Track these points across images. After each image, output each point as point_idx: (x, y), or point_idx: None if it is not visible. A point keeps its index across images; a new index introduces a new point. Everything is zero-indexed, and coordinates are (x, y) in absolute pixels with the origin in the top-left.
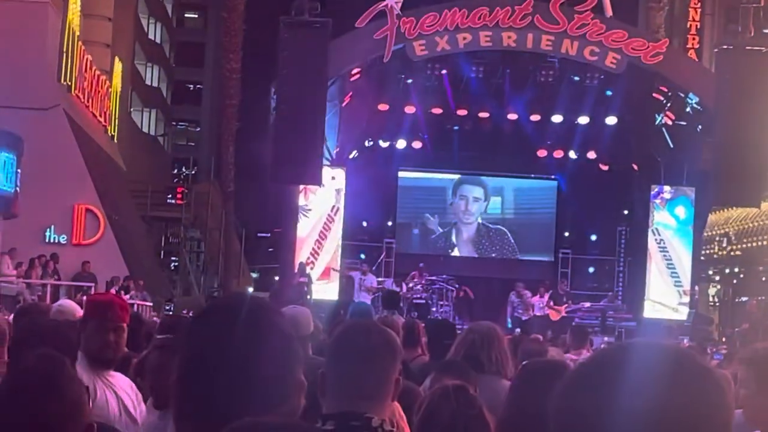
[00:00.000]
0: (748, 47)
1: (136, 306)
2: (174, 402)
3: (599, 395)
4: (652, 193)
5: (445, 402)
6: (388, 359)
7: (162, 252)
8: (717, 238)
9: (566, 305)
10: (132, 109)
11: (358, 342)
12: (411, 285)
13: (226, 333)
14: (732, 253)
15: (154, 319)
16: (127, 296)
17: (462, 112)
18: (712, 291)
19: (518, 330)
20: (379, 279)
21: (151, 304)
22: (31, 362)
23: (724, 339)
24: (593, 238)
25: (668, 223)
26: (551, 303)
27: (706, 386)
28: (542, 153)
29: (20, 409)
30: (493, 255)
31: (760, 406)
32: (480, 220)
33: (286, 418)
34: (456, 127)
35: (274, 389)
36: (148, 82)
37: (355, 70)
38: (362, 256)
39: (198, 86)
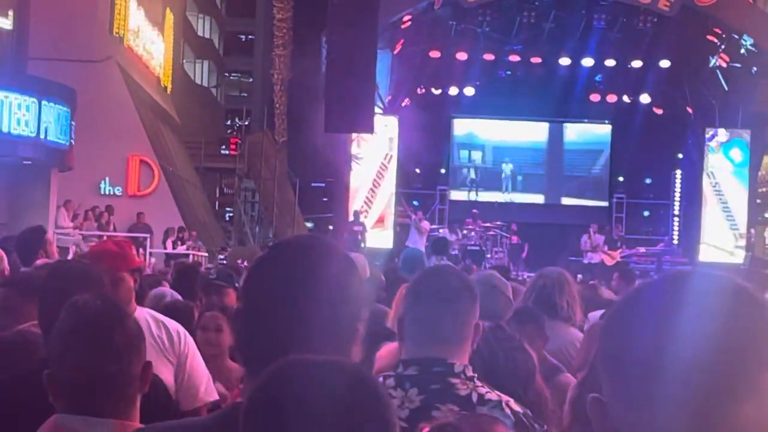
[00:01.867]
0: None
1: (191, 256)
2: (237, 343)
3: (646, 325)
4: (707, 136)
5: (482, 342)
6: (467, 303)
7: (217, 203)
8: None
9: (621, 250)
10: (184, 61)
11: (437, 286)
12: (465, 232)
13: (291, 269)
14: None
15: (208, 267)
16: (184, 246)
17: (514, 58)
18: None
19: (579, 276)
20: (434, 226)
21: (206, 254)
22: (88, 300)
23: None
24: (648, 182)
25: (724, 166)
26: (606, 248)
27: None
28: (595, 97)
29: (90, 339)
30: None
31: None
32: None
33: (341, 358)
34: (508, 73)
35: (340, 327)
36: (200, 33)
37: (406, 17)
38: (415, 203)
39: (250, 37)
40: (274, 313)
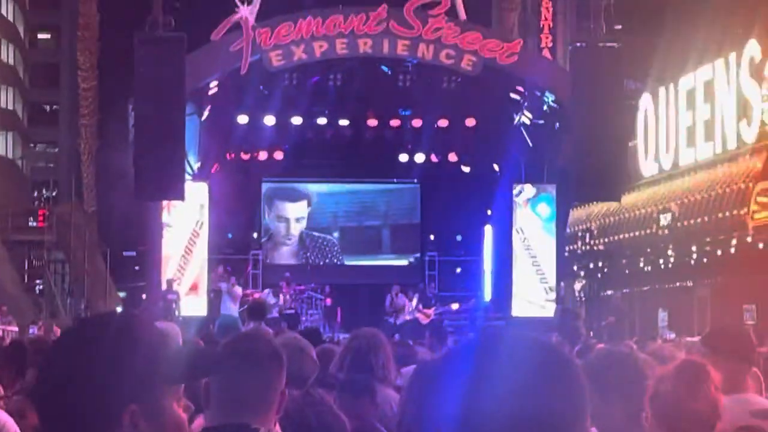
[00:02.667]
0: (600, 44)
1: (1, 332)
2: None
3: (445, 392)
4: (514, 192)
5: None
6: (275, 369)
7: (26, 275)
8: (580, 234)
9: (434, 307)
10: None
11: (244, 352)
12: (286, 296)
13: (93, 346)
14: (595, 248)
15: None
16: None
17: (322, 121)
18: (577, 286)
19: (397, 336)
20: (248, 291)
21: (16, 328)
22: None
23: (591, 333)
24: (459, 239)
25: (532, 221)
26: (420, 306)
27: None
28: (404, 157)
29: None
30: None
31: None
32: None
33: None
34: (317, 136)
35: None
36: (2, 105)
37: (213, 84)
38: (228, 269)
39: (54, 107)
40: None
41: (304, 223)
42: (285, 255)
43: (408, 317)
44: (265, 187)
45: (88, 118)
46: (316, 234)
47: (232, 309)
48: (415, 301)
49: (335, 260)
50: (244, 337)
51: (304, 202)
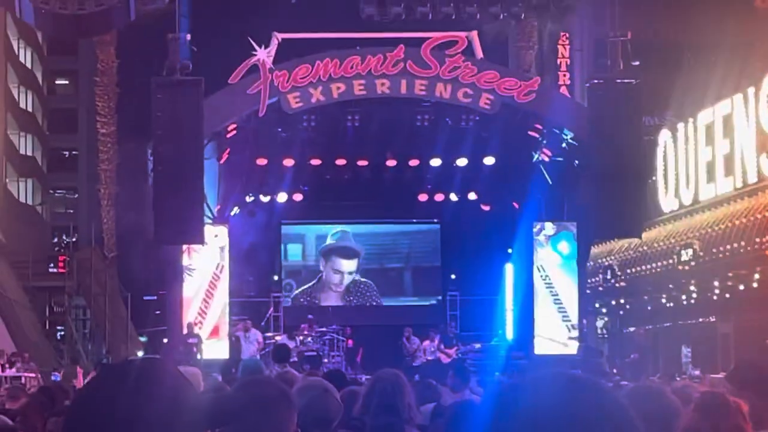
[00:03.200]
0: (618, 80)
1: (23, 379)
2: None
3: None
4: (535, 230)
5: None
6: (284, 411)
7: (47, 322)
8: (601, 271)
9: (456, 347)
10: (7, 180)
11: (255, 395)
12: (301, 338)
13: (115, 392)
14: (617, 284)
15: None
16: (13, 370)
17: (341, 162)
18: (600, 323)
19: (417, 376)
20: (269, 334)
21: (38, 375)
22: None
23: (615, 370)
24: (479, 278)
25: (552, 259)
26: (441, 346)
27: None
28: (423, 197)
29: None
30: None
31: None
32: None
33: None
34: (336, 177)
35: None
36: (22, 152)
37: (231, 127)
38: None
39: (73, 152)
40: None
41: (354, 276)
42: (332, 298)
43: (429, 357)
44: (321, 244)
45: (107, 163)
46: (359, 279)
47: (252, 352)
48: (436, 341)
49: (374, 302)
50: (252, 382)
51: (357, 259)
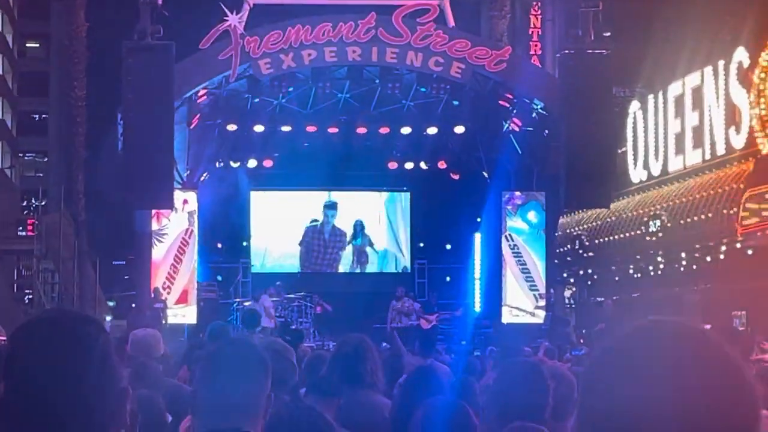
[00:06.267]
0: (589, 50)
1: None
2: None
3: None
4: (504, 199)
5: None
6: (261, 374)
7: (15, 285)
8: (569, 241)
9: (437, 314)
10: None
11: (228, 358)
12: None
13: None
14: (585, 255)
15: None
16: None
17: (311, 129)
18: (567, 293)
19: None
20: (238, 299)
21: (5, 338)
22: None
23: (582, 340)
24: (448, 247)
25: (521, 229)
26: (422, 312)
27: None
28: (393, 165)
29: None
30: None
31: None
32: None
33: None
34: (306, 144)
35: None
36: None
37: (201, 92)
38: (219, 278)
39: (44, 116)
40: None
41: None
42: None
43: (413, 323)
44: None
45: (78, 127)
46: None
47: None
48: (417, 308)
49: (328, 269)
50: (229, 343)
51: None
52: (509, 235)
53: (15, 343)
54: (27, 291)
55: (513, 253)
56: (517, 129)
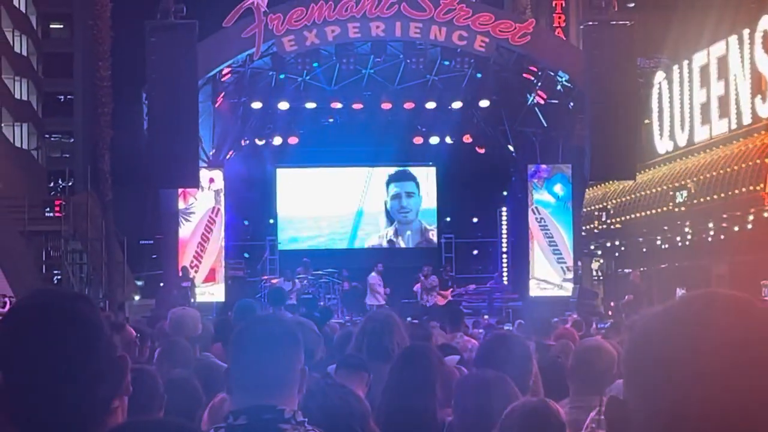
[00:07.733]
0: (612, 22)
1: None
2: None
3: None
4: (530, 172)
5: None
6: (291, 349)
7: (44, 266)
8: (596, 213)
9: (451, 289)
10: (3, 125)
11: (260, 334)
12: (297, 280)
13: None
14: (612, 227)
15: None
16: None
17: (336, 105)
18: (594, 265)
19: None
20: (266, 277)
21: None
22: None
23: (609, 312)
24: (475, 221)
25: (547, 201)
26: (438, 288)
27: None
28: (418, 140)
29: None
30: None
31: None
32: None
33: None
34: (331, 120)
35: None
36: (17, 96)
37: (225, 70)
38: (246, 255)
39: (69, 97)
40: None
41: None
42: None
43: (430, 302)
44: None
45: (103, 107)
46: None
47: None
48: (436, 284)
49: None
50: (257, 320)
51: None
52: (536, 208)
53: (7, 330)
54: (56, 272)
55: (540, 226)
56: (542, 102)
